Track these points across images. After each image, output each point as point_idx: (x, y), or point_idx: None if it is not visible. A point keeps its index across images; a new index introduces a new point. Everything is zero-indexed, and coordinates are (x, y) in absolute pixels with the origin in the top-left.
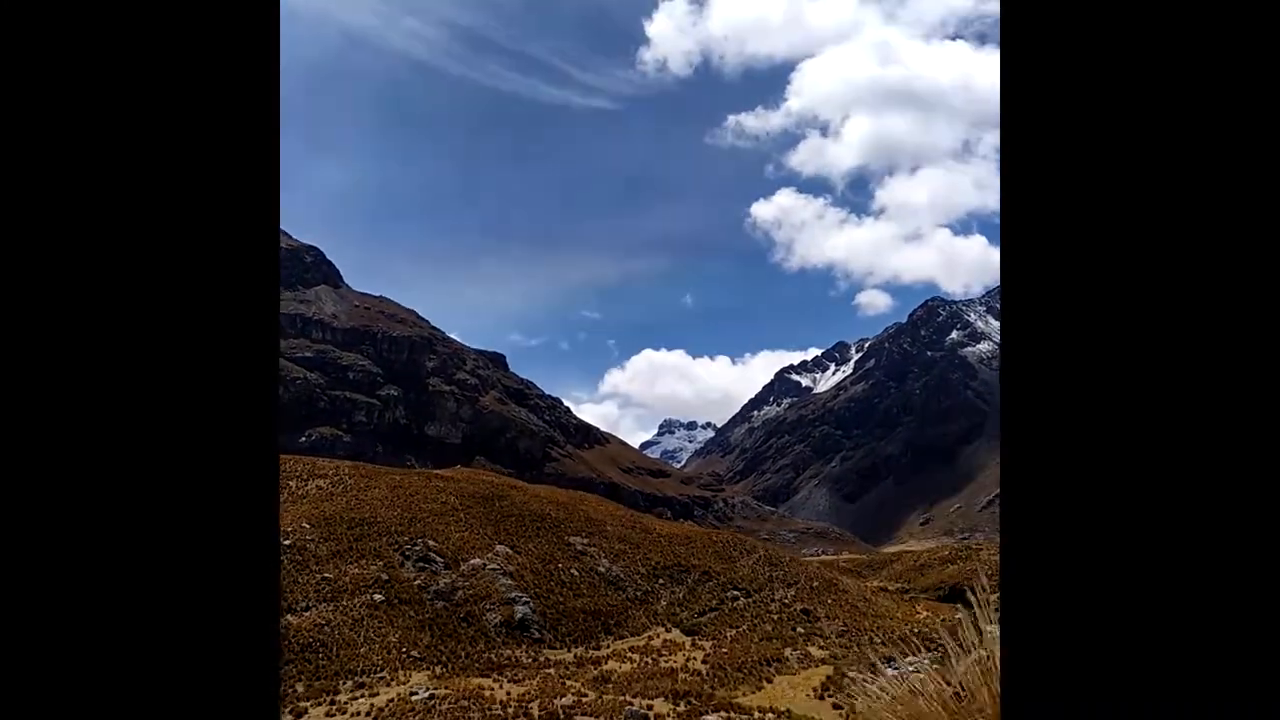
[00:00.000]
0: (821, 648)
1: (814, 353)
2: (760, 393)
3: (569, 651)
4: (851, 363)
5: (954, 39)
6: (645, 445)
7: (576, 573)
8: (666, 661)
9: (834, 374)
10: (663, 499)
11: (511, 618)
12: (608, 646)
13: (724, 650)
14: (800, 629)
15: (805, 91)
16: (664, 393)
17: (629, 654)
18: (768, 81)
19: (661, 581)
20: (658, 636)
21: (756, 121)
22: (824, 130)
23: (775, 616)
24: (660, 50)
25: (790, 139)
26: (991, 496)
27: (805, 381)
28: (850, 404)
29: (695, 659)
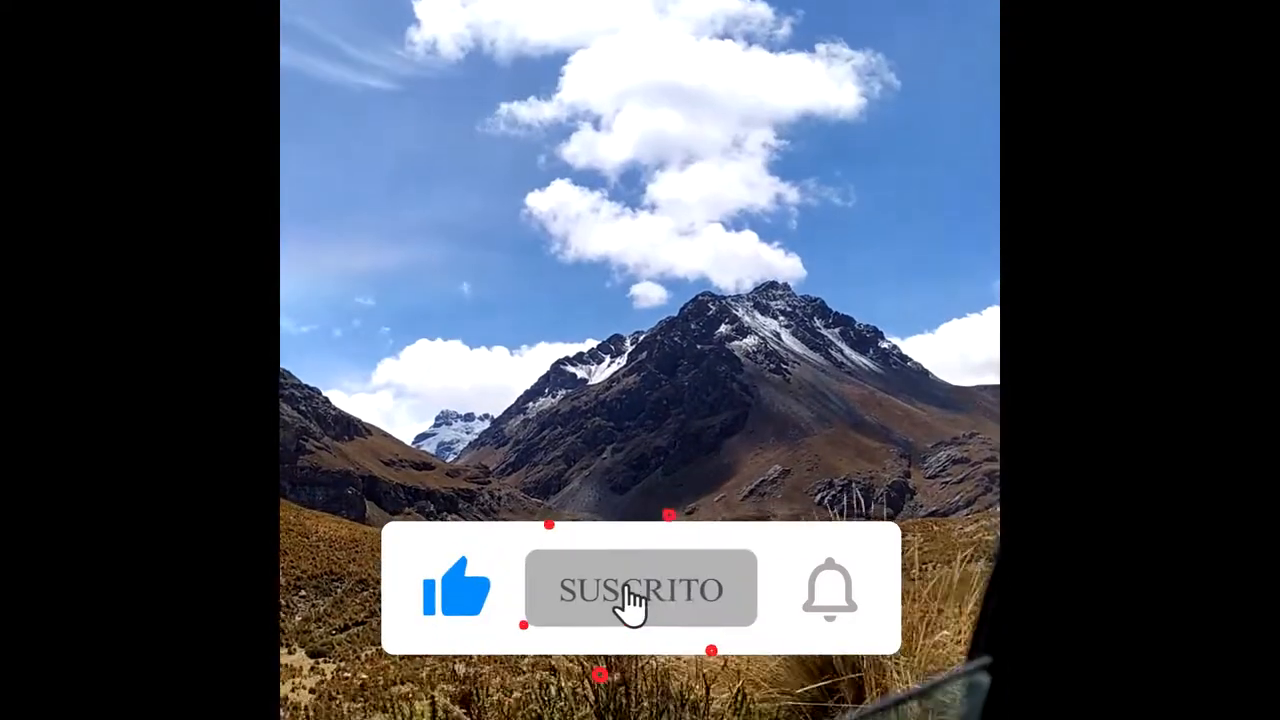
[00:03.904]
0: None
1: (590, 344)
2: (536, 384)
3: None
4: (625, 355)
5: (723, 38)
6: (421, 437)
7: None
8: None
9: (608, 366)
10: (425, 493)
11: None
12: None
13: (347, 675)
14: None
15: (577, 83)
16: (441, 384)
17: None
18: (539, 71)
19: (303, 594)
20: None
21: (529, 111)
22: (596, 123)
23: None
24: (429, 31)
25: (563, 131)
26: (753, 486)
27: (580, 373)
28: (623, 396)
29: (305, 687)
